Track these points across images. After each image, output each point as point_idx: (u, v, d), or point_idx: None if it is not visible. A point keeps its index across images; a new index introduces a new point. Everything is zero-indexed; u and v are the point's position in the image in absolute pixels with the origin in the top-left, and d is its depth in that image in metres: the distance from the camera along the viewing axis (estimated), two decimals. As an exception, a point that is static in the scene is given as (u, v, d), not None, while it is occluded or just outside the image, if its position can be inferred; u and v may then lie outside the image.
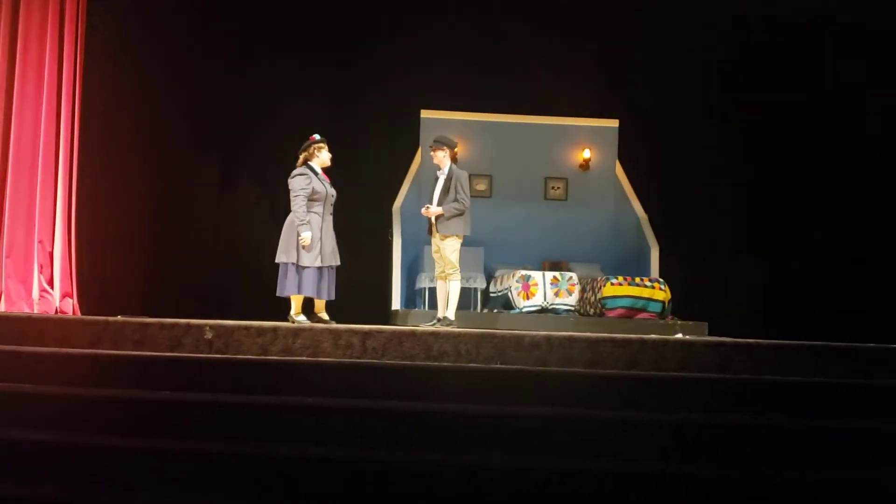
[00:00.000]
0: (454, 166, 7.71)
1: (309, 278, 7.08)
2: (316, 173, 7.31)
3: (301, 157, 7.41)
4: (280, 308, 7.55)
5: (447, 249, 7.53)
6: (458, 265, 7.56)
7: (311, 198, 7.16)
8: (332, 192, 7.37)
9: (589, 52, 11.46)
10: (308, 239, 7.03)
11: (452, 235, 7.54)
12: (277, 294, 7.23)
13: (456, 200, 7.52)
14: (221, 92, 10.66)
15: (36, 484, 3.95)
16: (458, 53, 11.18)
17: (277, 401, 4.71)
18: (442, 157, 7.69)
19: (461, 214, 7.53)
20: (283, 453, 4.19)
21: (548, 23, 11.18)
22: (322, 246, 7.14)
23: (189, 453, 4.18)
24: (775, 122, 11.17)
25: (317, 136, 7.42)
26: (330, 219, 7.31)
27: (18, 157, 7.76)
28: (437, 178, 7.73)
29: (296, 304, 7.18)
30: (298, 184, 7.19)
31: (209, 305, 8.53)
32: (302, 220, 7.08)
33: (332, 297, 7.30)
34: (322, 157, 7.40)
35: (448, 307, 7.57)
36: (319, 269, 7.12)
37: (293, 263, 7.07)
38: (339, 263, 7.34)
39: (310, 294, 7.14)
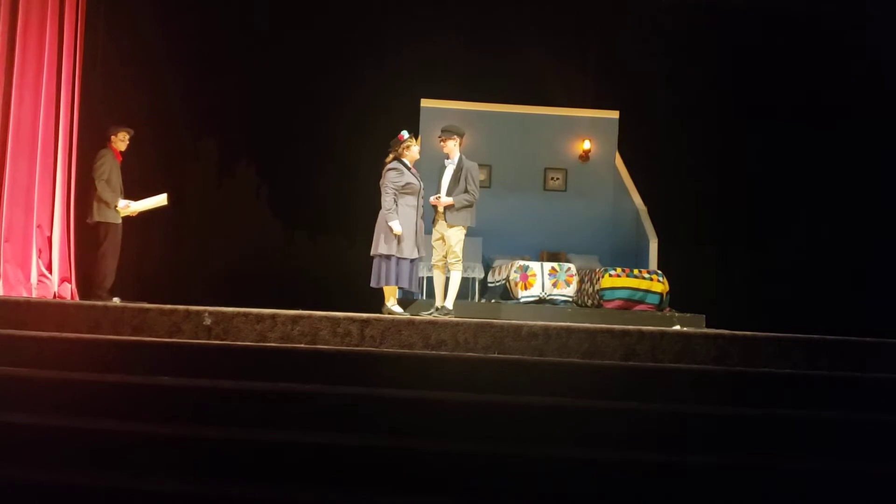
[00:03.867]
0: (464, 156, 7.73)
1: (405, 270, 7.34)
2: (408, 168, 7.51)
3: (390, 154, 7.58)
4: (276, 296, 7.58)
5: (452, 238, 7.55)
6: (461, 255, 7.60)
7: (405, 191, 7.41)
8: (421, 185, 7.60)
9: (590, 42, 11.46)
10: (398, 227, 7.28)
11: (459, 225, 7.57)
12: (373, 285, 7.48)
13: (466, 191, 7.55)
14: (221, 79, 10.65)
15: (33, 468, 3.96)
16: (459, 43, 11.17)
17: (275, 387, 4.72)
18: (452, 147, 7.71)
19: (471, 206, 7.58)
20: (280, 439, 4.21)
21: (549, 13, 11.17)
22: (417, 239, 7.40)
23: (187, 439, 4.19)
24: (775, 114, 11.17)
25: (405, 134, 7.57)
26: (420, 211, 7.53)
27: (18, 141, 7.74)
28: (444, 167, 7.73)
29: (392, 294, 7.44)
30: (390, 178, 7.42)
31: (208, 291, 8.53)
32: (388, 210, 7.33)
33: (416, 289, 7.65)
34: (412, 153, 7.58)
35: (447, 296, 7.59)
36: (413, 261, 7.38)
37: (391, 256, 7.31)
38: (424, 255, 7.61)
39: (404, 285, 7.39)
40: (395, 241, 7.30)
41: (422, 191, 7.56)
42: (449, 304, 7.58)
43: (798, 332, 6.57)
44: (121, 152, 8.27)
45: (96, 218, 8.12)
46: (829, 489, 4.08)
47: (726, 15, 10.93)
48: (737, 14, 10.90)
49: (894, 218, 10.46)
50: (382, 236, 7.38)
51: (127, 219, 8.37)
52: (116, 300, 7.60)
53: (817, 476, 4.14)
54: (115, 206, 8.02)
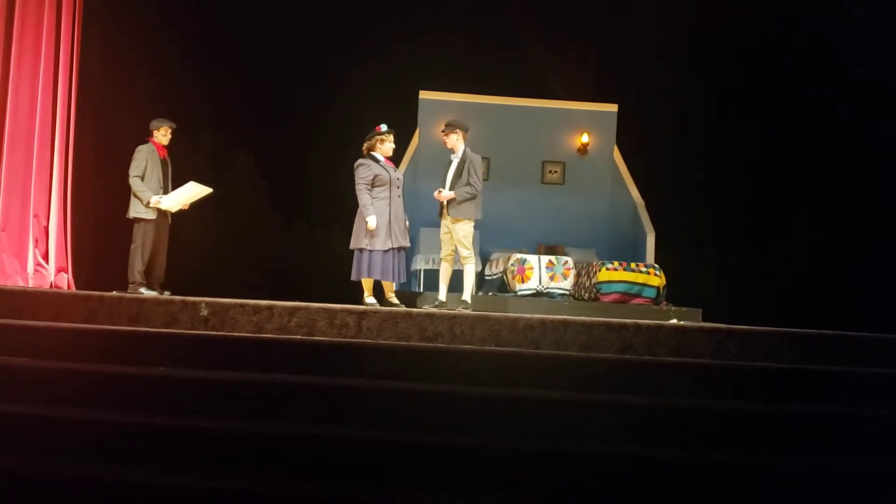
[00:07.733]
0: (468, 150, 7.68)
1: (377, 262, 7.32)
2: (377, 160, 7.51)
3: (365, 146, 7.58)
4: (274, 286, 7.57)
5: (459, 233, 7.51)
6: (472, 248, 7.57)
7: (375, 184, 7.40)
8: (398, 175, 7.60)
9: (589, 35, 11.44)
10: (373, 223, 7.29)
11: (464, 219, 7.51)
12: (352, 279, 7.50)
13: (468, 184, 7.49)
14: (220, 70, 10.63)
15: (29, 458, 3.95)
16: (458, 35, 11.15)
17: (271, 379, 4.71)
18: (455, 141, 7.67)
19: (473, 198, 7.51)
20: (276, 431, 4.20)
21: (548, 5, 11.14)
22: (391, 229, 7.37)
23: (182, 430, 4.19)
24: (774, 109, 11.15)
25: (383, 128, 7.56)
26: (399, 201, 7.50)
27: (14, 130, 7.73)
28: (450, 162, 7.69)
29: (366, 287, 7.44)
30: (359, 174, 7.44)
31: (205, 282, 8.51)
32: (364, 206, 7.35)
33: (403, 280, 7.61)
34: (384, 147, 7.58)
35: (464, 291, 7.57)
36: (387, 251, 7.35)
37: (364, 248, 7.33)
38: (408, 245, 7.58)
39: (377, 277, 7.37)
40: (369, 235, 7.33)
41: (396, 181, 7.50)
42: (467, 297, 7.55)
43: (795, 327, 6.58)
44: (164, 146, 7.96)
45: (130, 214, 7.77)
46: (826, 482, 4.08)
47: (727, 12, 10.90)
48: (737, 12, 10.87)
49: (894, 218, 10.46)
50: (356, 230, 7.44)
51: (124, 209, 8.25)
52: (160, 294, 7.38)
53: (815, 469, 4.14)
54: (148, 203, 7.69)
